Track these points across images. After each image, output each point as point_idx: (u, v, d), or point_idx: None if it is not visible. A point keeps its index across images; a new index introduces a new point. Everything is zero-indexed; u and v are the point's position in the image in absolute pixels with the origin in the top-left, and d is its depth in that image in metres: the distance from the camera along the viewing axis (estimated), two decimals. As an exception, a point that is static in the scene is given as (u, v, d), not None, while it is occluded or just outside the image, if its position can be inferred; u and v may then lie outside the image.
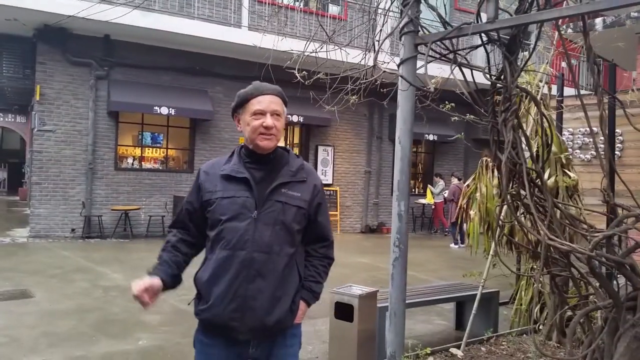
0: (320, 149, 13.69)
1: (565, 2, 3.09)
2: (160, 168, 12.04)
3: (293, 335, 2.12)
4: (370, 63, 3.53)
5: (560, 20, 3.36)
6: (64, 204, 10.82)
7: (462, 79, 3.01)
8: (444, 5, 13.61)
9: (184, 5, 11.24)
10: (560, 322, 4.11)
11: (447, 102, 3.98)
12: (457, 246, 11.84)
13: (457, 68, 2.97)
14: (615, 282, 3.23)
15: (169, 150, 12.34)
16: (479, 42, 3.08)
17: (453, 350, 3.93)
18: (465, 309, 5.29)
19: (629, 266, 2.78)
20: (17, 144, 24.34)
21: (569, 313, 3.88)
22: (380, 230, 14.35)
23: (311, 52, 3.99)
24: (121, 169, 11.43)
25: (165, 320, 5.44)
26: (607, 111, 3.60)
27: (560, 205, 3.24)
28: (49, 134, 10.67)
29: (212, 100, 11.91)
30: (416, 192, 15.10)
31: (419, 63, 3.45)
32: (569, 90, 5.64)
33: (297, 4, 12.03)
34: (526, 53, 3.53)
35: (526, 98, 4.32)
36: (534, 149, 3.63)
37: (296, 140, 14.11)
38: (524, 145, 3.05)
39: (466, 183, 5.12)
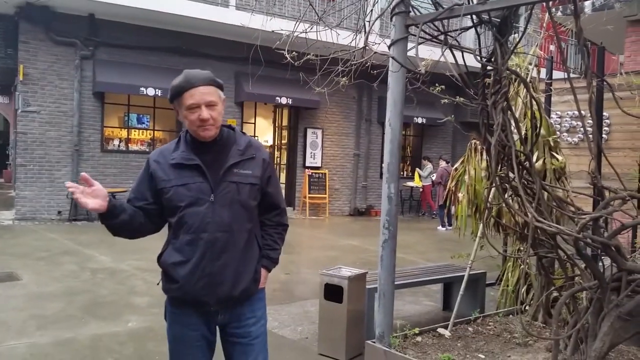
0: (309, 131, 13.64)
1: (556, -16, 3.09)
2: (147, 150, 11.92)
3: (259, 299, 2.28)
4: (361, 44, 3.51)
5: (551, 2, 3.35)
6: (49, 186, 10.70)
7: (453, 61, 3.00)
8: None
9: (170, -16, 11.04)
10: (546, 303, 4.17)
11: (437, 85, 3.97)
12: (444, 229, 11.94)
13: (447, 50, 2.96)
14: (600, 263, 3.28)
15: (155, 132, 12.22)
16: (470, 24, 3.07)
17: (441, 330, 3.98)
18: (452, 290, 5.35)
19: (614, 247, 2.82)
20: (0, 125, 23.94)
21: (555, 294, 3.94)
22: (368, 213, 14.41)
23: (301, 32, 3.95)
24: (107, 151, 11.31)
25: (155, 302, 5.44)
26: (595, 94, 3.61)
27: (547, 187, 3.27)
28: (33, 115, 10.50)
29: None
30: (404, 175, 15.15)
31: (410, 45, 3.43)
32: (557, 74, 5.66)
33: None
34: (516, 36, 3.52)
35: (516, 81, 4.32)
36: (523, 132, 3.65)
37: (285, 123, 14.04)
38: (513, 128, 3.06)
39: (454, 166, 5.14)
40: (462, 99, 3.80)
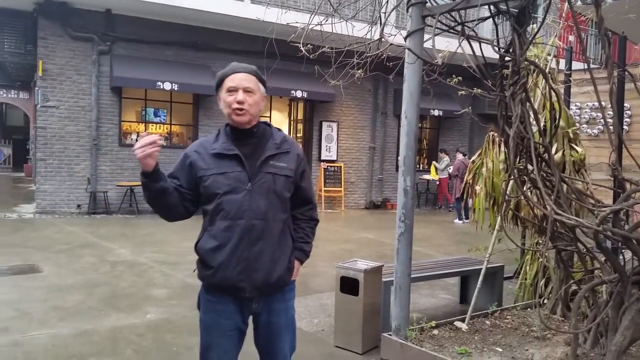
0: (325, 124, 13.62)
1: (576, -28, 3.03)
2: (165, 144, 12.02)
3: (290, 290, 2.35)
4: (376, 36, 3.48)
5: (571, -9, 3.29)
6: (69, 180, 10.86)
7: (470, 52, 2.97)
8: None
9: (186, -21, 11.08)
10: (565, 296, 4.13)
11: (453, 76, 3.93)
12: (461, 222, 11.86)
13: (465, 41, 2.92)
14: (621, 256, 3.23)
15: (172, 126, 12.31)
16: (488, 14, 3.03)
17: (458, 324, 3.96)
18: (469, 283, 5.32)
19: (635, 240, 2.78)
20: (20, 120, 24.32)
21: (574, 287, 3.90)
22: (384, 206, 14.37)
23: (316, 25, 3.93)
24: (125, 145, 11.42)
25: (173, 294, 5.51)
26: (616, 85, 3.54)
27: (567, 179, 3.22)
28: (52, 110, 10.65)
29: (215, 75, 11.79)
30: (421, 168, 15.07)
31: (426, 36, 3.40)
32: (577, 64, 5.56)
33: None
34: (535, 26, 3.47)
35: (534, 72, 4.26)
36: (542, 124, 3.60)
37: (300, 116, 14.04)
38: (531, 120, 3.02)
39: (472, 158, 5.10)
40: (479, 90, 3.75)
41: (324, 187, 13.31)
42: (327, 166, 13.52)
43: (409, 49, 3.28)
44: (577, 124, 5.42)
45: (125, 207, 11.06)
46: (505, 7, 2.93)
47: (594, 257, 3.17)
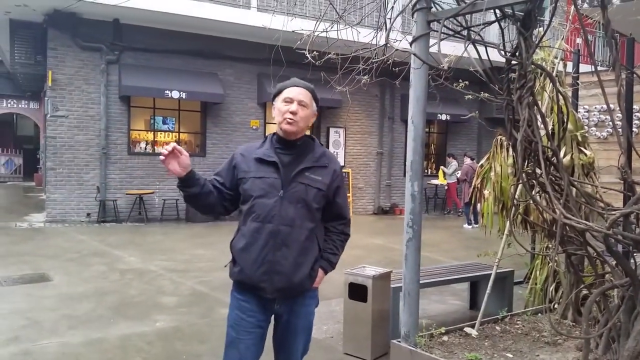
0: (332, 130, 13.64)
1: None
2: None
3: (311, 297, 2.48)
4: (382, 42, 3.48)
5: (577, -6, 3.28)
6: (78, 188, 10.94)
7: (476, 56, 2.96)
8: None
9: (192, -12, 11.16)
10: (576, 301, 4.08)
11: (460, 81, 3.92)
12: (470, 227, 11.80)
13: (470, 45, 2.92)
14: (632, 260, 3.20)
15: (180, 134, 12.37)
16: (493, 18, 3.02)
17: (467, 330, 3.93)
18: (479, 288, 5.28)
19: (647, 244, 2.75)
20: (31, 130, 24.55)
21: (585, 292, 3.86)
22: (392, 212, 14.34)
23: (321, 32, 3.94)
24: (134, 154, 11.50)
25: (182, 302, 5.52)
26: (624, 87, 3.52)
27: (576, 183, 3.20)
28: (62, 119, 10.74)
29: (223, 83, 11.89)
30: (429, 173, 15.02)
31: (432, 41, 3.40)
32: (584, 67, 5.53)
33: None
34: (541, 29, 3.46)
35: (541, 75, 4.24)
36: (550, 127, 3.58)
37: (307, 122, 14.04)
38: (539, 123, 3.01)
39: (480, 163, 5.07)
40: (486, 94, 3.74)
41: (332, 193, 13.28)
42: (335, 172, 13.50)
43: (414, 55, 3.28)
44: (586, 127, 5.38)
45: (134, 215, 11.12)
46: (511, 11, 2.92)
47: (605, 261, 3.14)
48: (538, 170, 2.98)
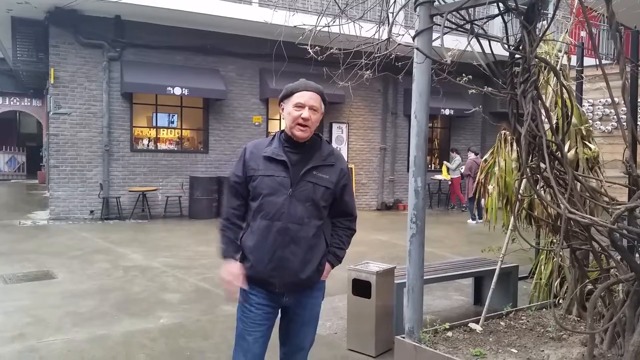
0: (335, 126, 13.62)
1: (586, -33, 2.99)
2: (176, 149, 12.09)
3: (318, 289, 2.57)
4: (385, 36, 3.46)
5: (581, -13, 3.24)
6: (82, 186, 10.95)
7: (480, 50, 2.93)
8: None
9: (194, -16, 11.13)
10: (581, 296, 4.06)
11: (464, 75, 3.89)
12: (474, 222, 11.77)
13: (474, 39, 2.89)
14: (637, 254, 3.18)
15: (183, 130, 12.37)
16: (497, 12, 3.00)
17: (472, 325, 3.92)
18: (483, 284, 5.27)
19: (652, 239, 2.73)
20: (34, 127, 24.59)
21: (590, 287, 3.84)
22: (396, 207, 14.31)
23: (323, 27, 3.92)
24: (137, 151, 11.50)
25: (186, 298, 5.52)
26: (629, 80, 3.49)
27: (580, 177, 3.18)
28: (64, 117, 10.75)
29: (225, 80, 11.87)
30: (432, 168, 14.98)
31: (435, 35, 3.37)
32: (588, 61, 5.48)
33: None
34: (544, 22, 3.43)
35: (545, 69, 4.21)
36: (554, 121, 3.55)
37: (310, 118, 14.02)
38: (543, 117, 2.98)
39: (484, 157, 5.04)
40: (490, 88, 3.71)
41: (335, 188, 13.27)
42: (338, 168, 13.48)
43: (417, 49, 3.26)
44: (590, 121, 5.35)
45: (137, 212, 11.13)
46: (514, 4, 2.89)
47: (610, 255, 3.12)
48: (542, 165, 2.96)
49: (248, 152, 2.47)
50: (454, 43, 3.75)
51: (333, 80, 4.40)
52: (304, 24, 3.99)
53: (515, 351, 3.49)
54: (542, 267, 4.96)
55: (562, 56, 4.40)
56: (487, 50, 2.91)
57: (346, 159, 13.57)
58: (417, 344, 3.48)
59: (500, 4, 2.94)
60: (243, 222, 2.50)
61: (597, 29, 13.24)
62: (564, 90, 3.28)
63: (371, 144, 14.24)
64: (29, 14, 10.79)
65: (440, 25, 2.98)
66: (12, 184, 19.27)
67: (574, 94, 4.58)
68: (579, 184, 3.06)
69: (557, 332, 3.75)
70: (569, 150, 4.12)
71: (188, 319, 4.87)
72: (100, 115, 10.97)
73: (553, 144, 3.04)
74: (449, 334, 3.74)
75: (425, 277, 3.78)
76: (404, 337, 3.59)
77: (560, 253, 4.25)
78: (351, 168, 13.71)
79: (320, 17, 3.93)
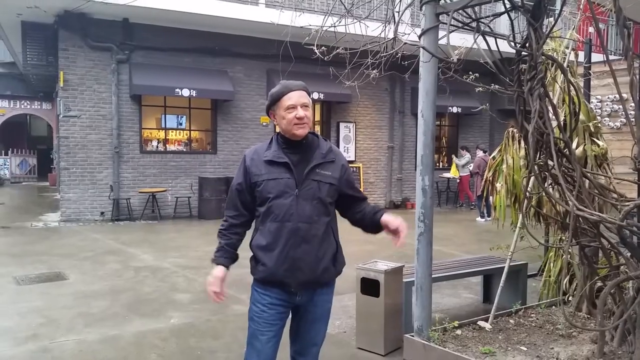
0: (342, 125, 13.61)
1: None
2: (185, 150, 12.16)
3: (330, 286, 2.60)
4: (391, 35, 3.47)
5: (588, -17, 3.23)
6: (92, 188, 11.04)
7: (486, 48, 2.94)
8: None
9: (200, -15, 11.19)
10: (590, 293, 4.05)
11: (470, 73, 3.89)
12: (483, 220, 11.73)
13: (480, 37, 2.89)
14: (647, 251, 3.16)
15: (192, 132, 12.43)
16: (502, 9, 3.00)
17: (481, 323, 3.92)
18: (492, 282, 5.26)
19: (662, 235, 2.72)
20: (44, 130, 24.82)
21: (599, 284, 3.83)
22: (404, 206, 14.29)
23: (330, 27, 3.93)
24: (146, 152, 11.57)
25: (196, 298, 5.56)
26: (637, 76, 3.47)
27: (589, 174, 3.17)
28: (74, 119, 10.84)
29: (233, 81, 11.91)
30: (440, 167, 14.94)
31: (441, 33, 3.37)
32: (596, 57, 5.45)
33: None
34: (551, 19, 3.42)
35: (552, 66, 4.20)
36: (562, 118, 3.54)
37: (317, 118, 14.03)
38: (551, 115, 2.98)
39: (492, 155, 5.03)
40: (497, 86, 3.71)
41: (344, 188, 13.26)
42: (346, 167, 13.48)
43: (423, 48, 3.27)
44: (599, 117, 5.32)
45: (147, 213, 11.21)
46: (520, 1, 2.89)
47: (619, 252, 3.11)
48: (550, 162, 2.95)
49: (248, 159, 2.49)
50: (460, 41, 3.74)
51: (340, 80, 4.41)
52: (311, 25, 4.01)
53: (525, 349, 3.49)
54: (551, 264, 4.95)
55: (570, 53, 4.39)
56: (494, 48, 2.91)
57: (354, 158, 13.71)
58: (426, 342, 3.48)
59: (507, 2, 2.94)
60: (240, 229, 2.55)
61: (606, 24, 13.13)
62: (572, 87, 3.27)
63: (379, 143, 14.22)
64: (38, 18, 10.89)
65: (446, 23, 2.99)
66: (23, 187, 19.46)
67: (582, 90, 4.57)
68: (587, 181, 3.05)
69: (566, 330, 3.75)
70: (577, 147, 4.10)
71: (199, 319, 4.91)
72: (110, 117, 11.05)
73: (561, 141, 3.04)
74: (458, 332, 3.75)
75: (433, 276, 3.79)
76: (413, 336, 3.60)
77: (570, 250, 4.23)
78: (359, 167, 13.71)
79: (326, 17, 3.94)
